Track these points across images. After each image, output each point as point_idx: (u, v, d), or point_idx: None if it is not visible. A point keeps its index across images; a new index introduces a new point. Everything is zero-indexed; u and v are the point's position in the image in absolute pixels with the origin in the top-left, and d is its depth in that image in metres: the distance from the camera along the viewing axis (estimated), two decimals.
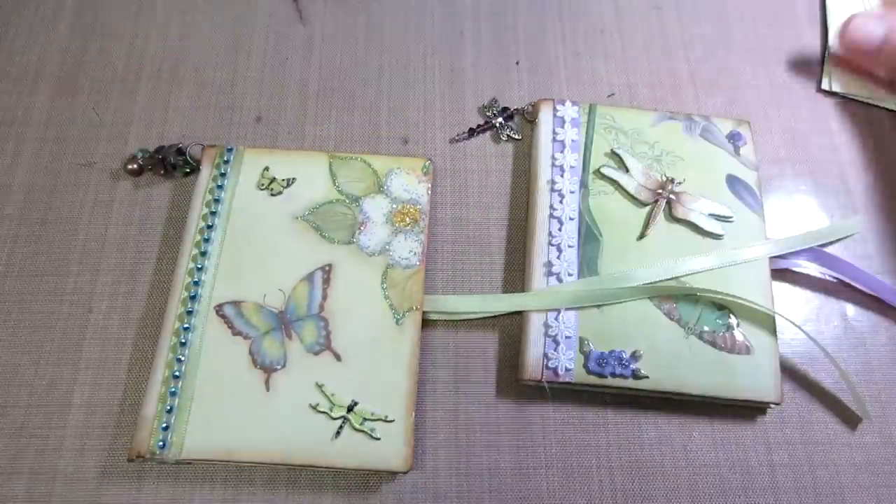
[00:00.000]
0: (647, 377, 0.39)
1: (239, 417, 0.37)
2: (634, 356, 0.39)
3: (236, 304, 0.40)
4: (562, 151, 0.46)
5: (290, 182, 0.44)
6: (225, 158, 0.45)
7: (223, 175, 0.44)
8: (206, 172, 0.44)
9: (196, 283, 0.40)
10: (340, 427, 0.37)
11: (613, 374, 0.39)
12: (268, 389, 0.38)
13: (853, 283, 0.44)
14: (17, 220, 0.45)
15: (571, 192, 0.44)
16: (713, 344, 0.40)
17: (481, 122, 0.49)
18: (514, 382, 0.41)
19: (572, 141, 0.46)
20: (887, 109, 0.50)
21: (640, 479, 0.39)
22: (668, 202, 0.44)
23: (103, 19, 0.53)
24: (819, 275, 0.44)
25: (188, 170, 0.46)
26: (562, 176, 0.45)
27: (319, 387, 0.38)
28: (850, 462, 0.40)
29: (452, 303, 0.42)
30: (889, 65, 0.48)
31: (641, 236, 0.43)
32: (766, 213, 0.45)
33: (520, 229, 0.45)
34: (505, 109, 0.49)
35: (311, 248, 0.42)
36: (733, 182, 0.45)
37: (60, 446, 0.39)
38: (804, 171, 0.48)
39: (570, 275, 0.42)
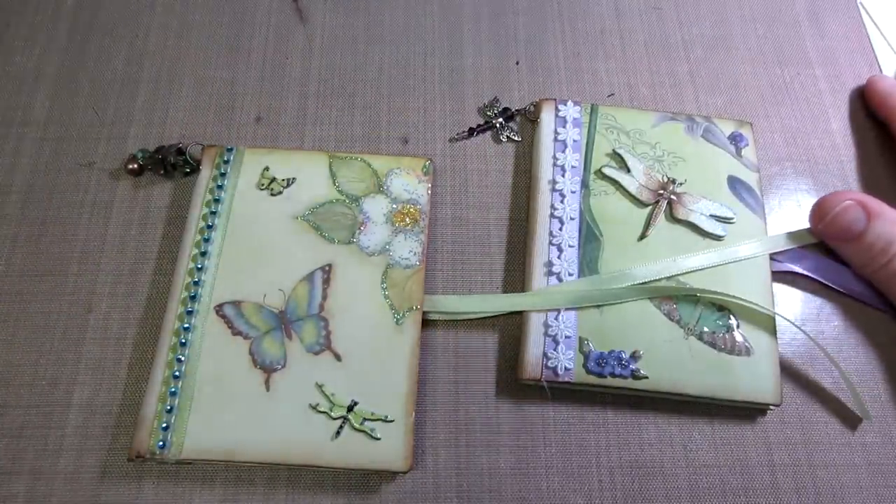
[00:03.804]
0: (646, 377, 0.39)
1: (239, 417, 0.37)
2: (634, 356, 0.39)
3: (236, 304, 0.40)
4: (563, 151, 0.46)
5: (290, 182, 0.44)
6: (225, 158, 0.45)
7: (223, 175, 0.44)
8: (206, 172, 0.44)
9: (196, 283, 0.40)
10: (340, 427, 0.37)
11: (613, 375, 0.39)
12: (268, 389, 0.38)
13: (853, 296, 0.44)
14: (17, 220, 0.45)
15: (572, 192, 0.44)
16: (713, 345, 0.40)
17: (481, 122, 0.49)
18: (514, 382, 0.41)
19: (574, 141, 0.46)
20: None
21: (640, 479, 0.39)
22: (669, 203, 0.44)
23: (103, 19, 0.53)
24: (818, 277, 0.44)
25: (188, 170, 0.46)
26: (563, 176, 0.45)
27: (319, 387, 0.38)
28: (850, 462, 0.40)
29: (452, 303, 0.42)
30: None
31: (642, 237, 0.43)
32: (767, 212, 0.45)
33: (520, 229, 0.45)
34: (506, 110, 0.49)
35: (311, 248, 0.42)
36: (734, 183, 0.45)
37: (60, 446, 0.39)
38: (805, 170, 0.48)
39: (570, 275, 0.42)
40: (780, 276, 0.44)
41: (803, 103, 0.51)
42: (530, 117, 0.49)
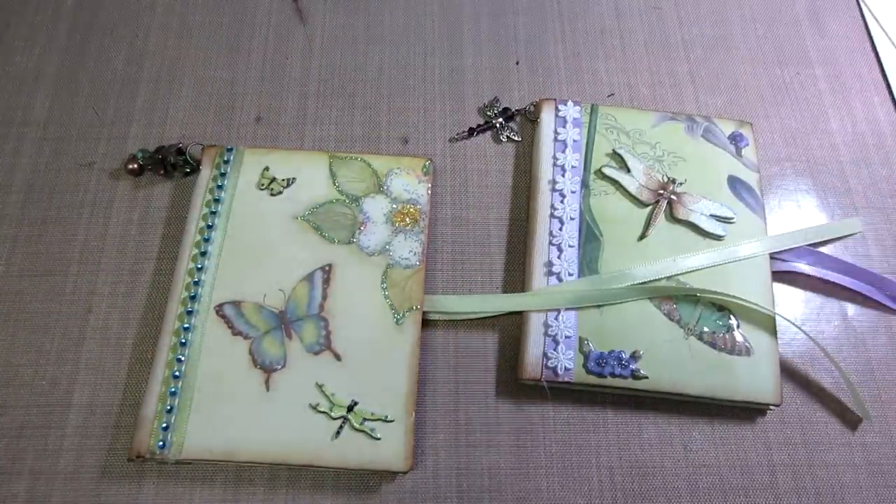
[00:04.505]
0: (646, 377, 0.39)
1: (239, 417, 0.37)
2: (634, 356, 0.39)
3: (236, 304, 0.40)
4: (563, 151, 0.46)
5: (290, 182, 0.44)
6: (225, 158, 0.45)
7: (223, 175, 0.44)
8: (206, 172, 0.44)
9: (196, 283, 0.40)
10: (340, 427, 0.37)
11: (613, 375, 0.39)
12: (268, 389, 0.38)
13: (855, 288, 0.44)
14: (17, 220, 0.45)
15: (572, 192, 0.44)
16: (713, 345, 0.40)
17: (481, 122, 0.49)
18: (514, 382, 0.41)
19: (574, 141, 0.46)
20: None
21: (640, 479, 0.39)
22: (670, 203, 0.44)
23: (103, 19, 0.53)
24: (819, 275, 0.44)
25: (188, 170, 0.46)
26: (563, 176, 0.45)
27: (319, 387, 0.38)
28: (850, 462, 0.40)
29: (452, 303, 0.42)
30: None
31: (642, 237, 0.43)
32: (767, 212, 0.45)
33: (520, 229, 0.45)
34: (506, 110, 0.49)
35: (311, 248, 0.42)
36: (734, 183, 0.45)
37: (60, 446, 0.39)
38: (804, 170, 0.48)
39: (570, 274, 0.42)
40: (780, 276, 0.44)
41: (803, 103, 0.51)
42: (530, 117, 0.49)
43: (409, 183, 0.44)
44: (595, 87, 0.51)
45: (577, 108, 0.47)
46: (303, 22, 0.53)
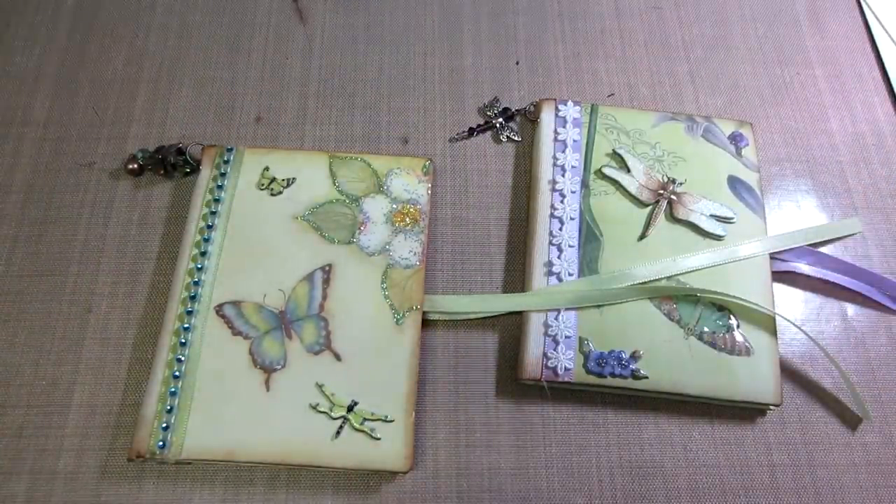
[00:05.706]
0: (646, 377, 0.39)
1: (239, 417, 0.37)
2: (634, 356, 0.39)
3: (236, 304, 0.40)
4: (563, 151, 0.46)
5: (290, 182, 0.44)
6: (225, 158, 0.45)
7: (223, 175, 0.44)
8: (206, 172, 0.44)
9: (196, 283, 0.40)
10: (340, 427, 0.37)
11: (613, 375, 0.39)
12: (268, 389, 0.38)
13: (855, 288, 0.44)
14: (17, 220, 0.45)
15: (572, 192, 0.44)
16: (713, 345, 0.40)
17: (481, 122, 0.49)
18: (514, 382, 0.41)
19: (574, 141, 0.46)
20: None
21: (640, 479, 0.39)
22: (670, 203, 0.44)
23: (103, 19, 0.53)
24: (819, 275, 0.44)
25: (188, 170, 0.46)
26: (563, 176, 0.45)
27: (319, 387, 0.38)
28: (850, 462, 0.40)
29: (452, 303, 0.42)
30: None
31: (642, 237, 0.43)
32: (767, 212, 0.45)
33: (520, 229, 0.45)
34: (506, 110, 0.49)
35: (311, 248, 0.42)
36: (734, 183, 0.45)
37: (60, 446, 0.39)
38: (804, 171, 0.48)
39: (570, 275, 0.42)
40: (780, 276, 0.44)
41: (803, 103, 0.51)
42: (530, 117, 0.49)
43: (409, 183, 0.44)
44: (595, 87, 0.51)
45: (577, 108, 0.47)
46: (303, 22, 0.53)
